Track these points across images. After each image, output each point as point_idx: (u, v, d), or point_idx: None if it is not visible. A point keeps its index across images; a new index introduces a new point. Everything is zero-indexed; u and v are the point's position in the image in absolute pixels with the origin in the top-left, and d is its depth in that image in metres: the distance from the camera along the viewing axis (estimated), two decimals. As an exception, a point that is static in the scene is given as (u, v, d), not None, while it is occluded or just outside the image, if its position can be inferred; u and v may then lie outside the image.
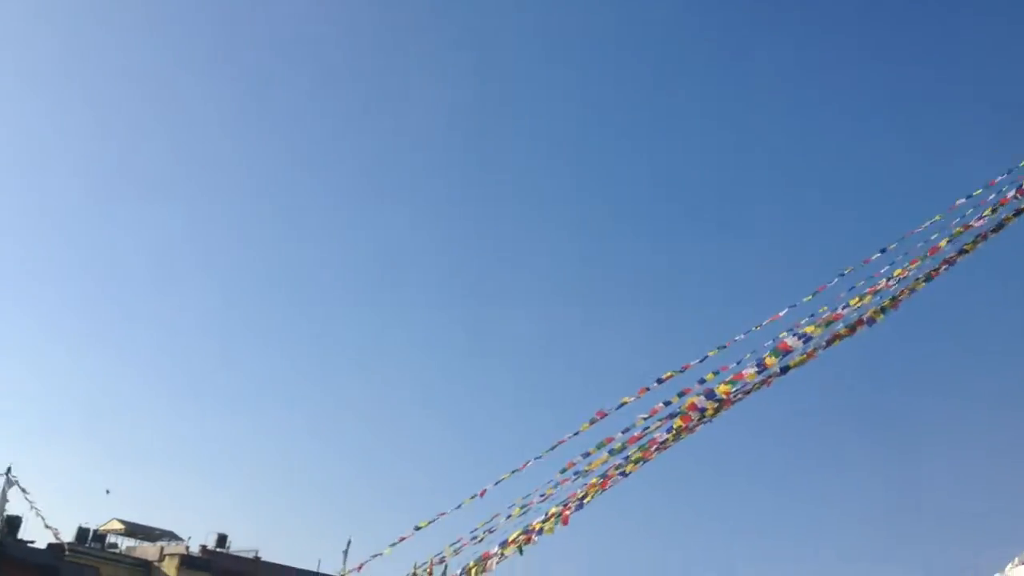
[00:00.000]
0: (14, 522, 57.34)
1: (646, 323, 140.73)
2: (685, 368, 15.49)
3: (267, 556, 70.17)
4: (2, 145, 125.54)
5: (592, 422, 15.77)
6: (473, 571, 17.44)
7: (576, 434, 16.03)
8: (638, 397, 15.15)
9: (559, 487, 15.94)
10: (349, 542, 66.74)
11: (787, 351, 14.65)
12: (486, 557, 16.81)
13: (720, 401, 13.72)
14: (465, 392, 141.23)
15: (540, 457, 16.63)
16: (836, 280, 15.67)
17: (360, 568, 18.97)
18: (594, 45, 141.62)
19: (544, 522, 15.14)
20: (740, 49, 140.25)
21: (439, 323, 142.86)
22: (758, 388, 14.76)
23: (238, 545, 69.84)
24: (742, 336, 15.47)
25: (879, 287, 15.56)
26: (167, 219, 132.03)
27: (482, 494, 17.11)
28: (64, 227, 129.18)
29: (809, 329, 14.53)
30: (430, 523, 17.86)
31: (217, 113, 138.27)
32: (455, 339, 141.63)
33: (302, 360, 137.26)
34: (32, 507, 58.47)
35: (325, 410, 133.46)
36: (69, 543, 60.65)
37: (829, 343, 15.54)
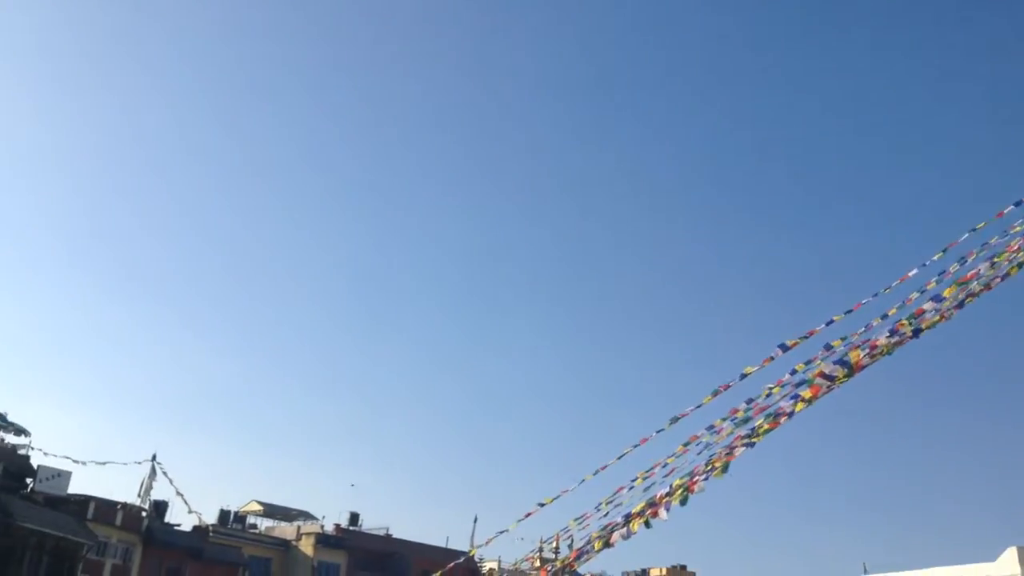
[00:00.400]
0: (160, 507, 60.52)
1: (762, 294, 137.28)
2: (811, 334, 14.94)
3: (397, 534, 72.23)
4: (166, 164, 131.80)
5: (715, 394, 15.44)
6: (597, 544, 17.41)
7: (699, 407, 15.74)
8: (762, 366, 14.71)
9: (681, 459, 15.69)
10: (476, 519, 68.02)
11: (920, 315, 13.92)
12: (610, 527, 16.74)
13: (850, 367, 13.13)
14: (581, 375, 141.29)
15: (662, 430, 16.41)
16: (967, 236, 14.77)
17: (488, 543, 19.24)
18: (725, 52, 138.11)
19: (670, 494, 14.94)
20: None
21: (553, 312, 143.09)
22: (889, 352, 14.07)
23: (369, 523, 72.05)
24: (870, 298, 14.82)
25: (1015, 245, 14.57)
26: (302, 228, 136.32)
27: (603, 469, 17.04)
28: (204, 230, 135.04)
29: (947, 292, 13.72)
30: (554, 499, 17.93)
31: (336, 120, 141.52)
32: (571, 325, 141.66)
33: (429, 351, 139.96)
34: (176, 492, 61.71)
35: (452, 396, 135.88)
36: (212, 525, 63.58)
37: (961, 304, 14.69)
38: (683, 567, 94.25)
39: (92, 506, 52.04)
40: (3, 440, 53.10)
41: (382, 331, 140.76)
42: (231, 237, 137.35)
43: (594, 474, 17.02)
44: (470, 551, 33.20)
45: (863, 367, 13.13)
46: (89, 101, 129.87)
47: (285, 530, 69.21)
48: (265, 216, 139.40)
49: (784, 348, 14.67)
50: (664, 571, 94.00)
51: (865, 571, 50.67)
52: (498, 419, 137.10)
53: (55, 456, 53.78)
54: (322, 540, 66.64)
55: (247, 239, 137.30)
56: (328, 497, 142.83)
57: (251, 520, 70.07)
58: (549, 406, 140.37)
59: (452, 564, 24.71)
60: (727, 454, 13.74)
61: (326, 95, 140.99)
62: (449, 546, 68.90)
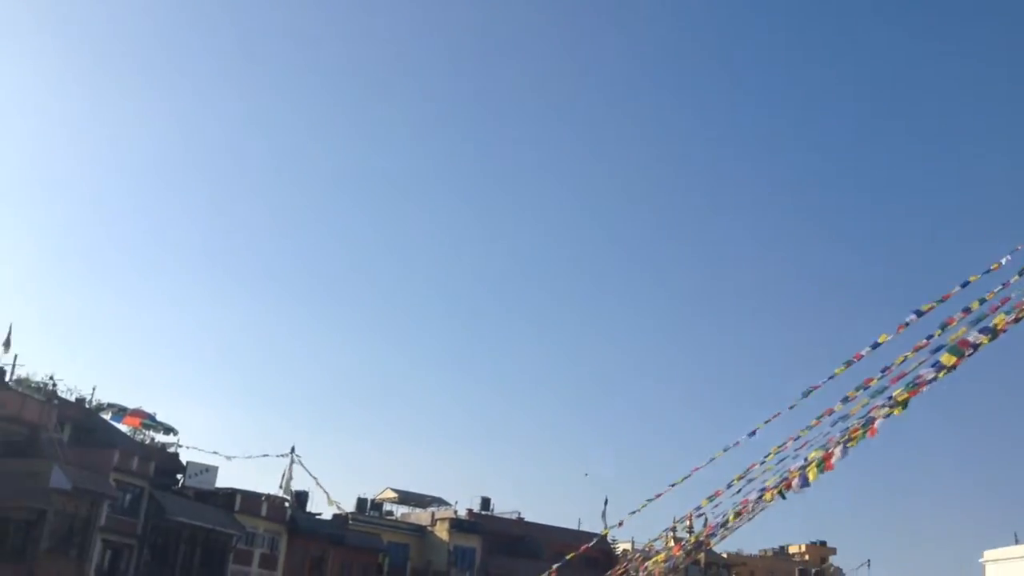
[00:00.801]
0: (302, 497, 62.96)
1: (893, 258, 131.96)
2: (945, 298, 14.25)
3: (528, 517, 72.97)
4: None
5: (848, 364, 14.92)
6: (732, 520, 17.14)
7: (831, 378, 15.25)
8: (897, 334, 14.11)
9: (814, 432, 15.24)
10: (606, 501, 67.95)
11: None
12: (744, 504, 16.44)
13: (994, 332, 12.38)
14: (704, 354, 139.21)
15: (793, 407, 15.98)
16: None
17: (621, 525, 19.20)
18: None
19: (805, 468, 14.54)
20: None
21: (666, 296, 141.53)
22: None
23: (500, 508, 73.05)
24: (1007, 258, 13.97)
25: None
26: (421, 223, 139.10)
27: (735, 445, 16.73)
28: (331, 227, 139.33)
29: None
30: (685, 479, 17.71)
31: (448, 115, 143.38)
32: (687, 309, 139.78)
33: (551, 338, 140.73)
34: (316, 482, 64.07)
35: (576, 382, 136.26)
36: (351, 513, 65.72)
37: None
38: (823, 543, 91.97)
39: (239, 499, 54.55)
40: (153, 439, 56.26)
41: (507, 321, 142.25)
42: (356, 234, 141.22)
43: (724, 451, 16.73)
44: (603, 532, 33.21)
45: (1005, 331, 12.37)
46: (216, 102, 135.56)
47: (420, 516, 70.89)
48: (383, 212, 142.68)
49: (919, 313, 14.02)
50: (803, 548, 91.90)
51: (1016, 541, 48.24)
52: (626, 400, 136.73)
53: (202, 452, 56.69)
54: (456, 525, 67.93)
55: (370, 236, 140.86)
56: (458, 483, 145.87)
57: (387, 507, 72.03)
58: (675, 386, 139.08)
59: (585, 546, 24.77)
60: (864, 425, 13.25)
61: (439, 92, 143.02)
62: (581, 528, 69.17)
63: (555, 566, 21.76)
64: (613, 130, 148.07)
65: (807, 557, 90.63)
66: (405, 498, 71.95)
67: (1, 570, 38.14)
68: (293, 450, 61.59)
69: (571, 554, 23.75)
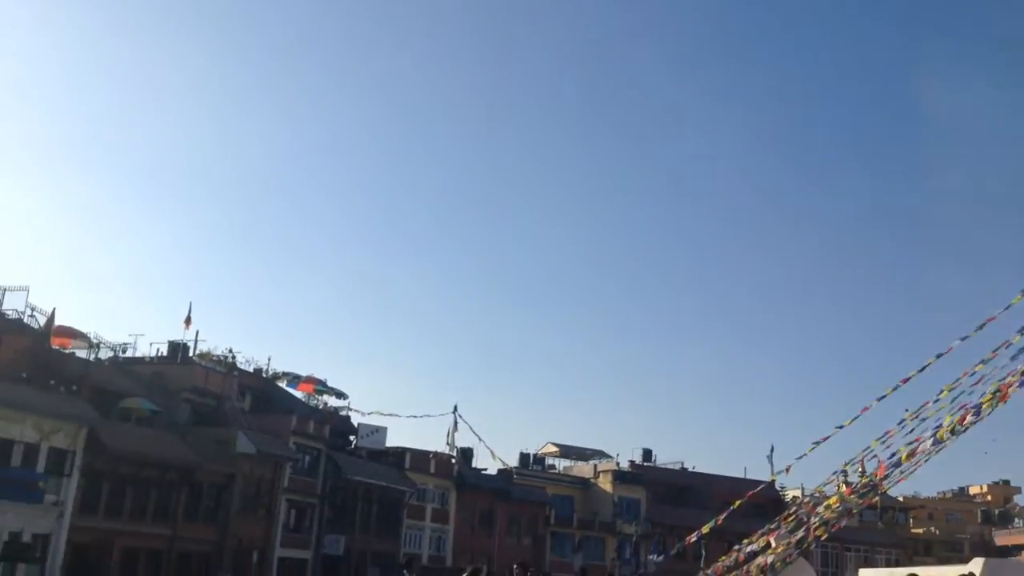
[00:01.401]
0: (467, 453, 64.91)
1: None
2: None
3: (692, 467, 72.62)
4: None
5: (1025, 293, 13.97)
6: (905, 460, 16.49)
7: (1008, 308, 14.33)
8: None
9: (990, 366, 14.38)
10: (772, 448, 66.77)
11: None
12: (918, 442, 15.76)
13: None
14: (876, 290, 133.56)
15: (966, 338, 15.14)
16: None
17: (788, 471, 18.79)
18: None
19: (980, 403, 13.77)
20: None
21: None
22: None
23: (663, 459, 73.02)
24: None
25: None
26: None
27: (905, 382, 16.02)
28: (459, 181, 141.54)
29: None
30: (853, 420, 17.11)
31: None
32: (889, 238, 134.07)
33: (707, 289, 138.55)
34: (479, 439, 65.92)
35: (735, 331, 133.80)
36: (514, 467, 67.28)
37: None
38: (1006, 482, 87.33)
39: (408, 457, 56.87)
40: (326, 404, 59.19)
41: (661, 278, 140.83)
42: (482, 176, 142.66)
43: (894, 389, 16.04)
44: (770, 478, 32.64)
45: None
46: (363, 94, 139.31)
47: (582, 469, 71.75)
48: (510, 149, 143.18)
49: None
50: (985, 488, 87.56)
51: None
52: (784, 344, 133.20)
53: (371, 414, 59.28)
54: (619, 477, 68.42)
55: (493, 174, 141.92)
56: (619, 436, 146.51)
57: (549, 462, 73.24)
58: (845, 323, 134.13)
59: (751, 492, 24.38)
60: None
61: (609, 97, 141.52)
62: (747, 476, 68.31)
63: (723, 514, 21.56)
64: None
65: (989, 498, 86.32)
66: (567, 452, 72.90)
67: (199, 530, 41.30)
68: (456, 409, 63.45)
69: (737, 501, 23.44)
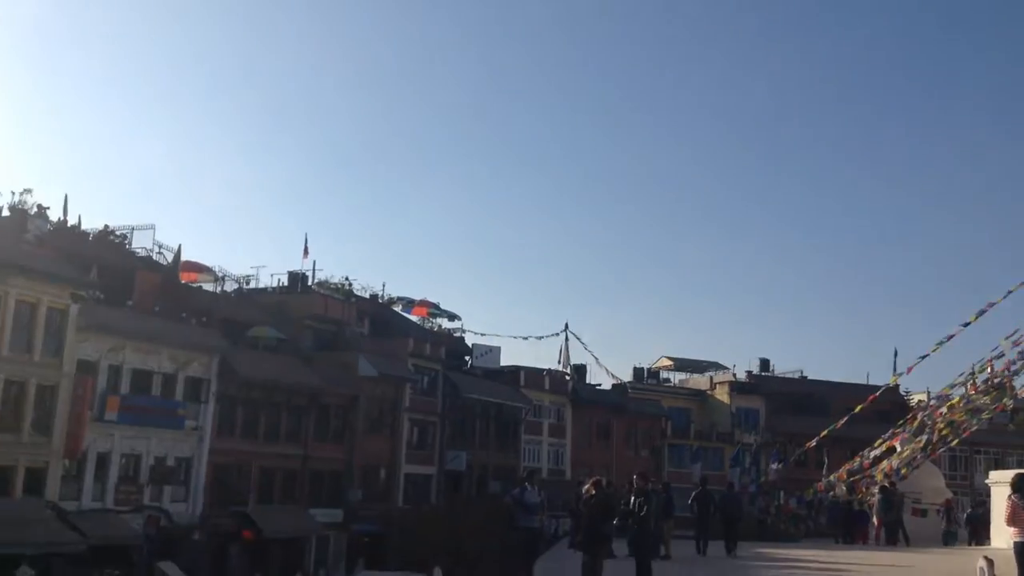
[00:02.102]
0: (580, 370, 65.55)
1: None
2: None
3: (812, 375, 71.34)
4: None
5: None
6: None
7: None
8: None
9: None
10: (896, 352, 64.94)
11: None
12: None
13: None
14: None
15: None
16: None
17: (910, 371, 18.31)
18: None
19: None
20: None
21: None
22: None
23: (781, 368, 72.03)
24: None
25: None
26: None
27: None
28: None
29: None
30: (979, 315, 16.48)
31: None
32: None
33: (822, 190, 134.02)
34: (592, 355, 66.41)
35: (856, 231, 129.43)
36: (629, 382, 67.62)
37: None
38: None
39: (522, 375, 57.84)
40: (440, 326, 60.50)
41: (777, 180, 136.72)
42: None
43: (1022, 284, 15.31)
44: (891, 381, 31.84)
45: None
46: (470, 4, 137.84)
47: (698, 381, 71.56)
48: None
49: None
50: None
51: None
52: (908, 245, 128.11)
53: (484, 335, 60.41)
54: (736, 387, 67.99)
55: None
56: (735, 347, 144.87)
57: (663, 375, 73.28)
58: (970, 219, 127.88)
59: (872, 396, 23.91)
60: None
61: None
62: (870, 382, 66.81)
63: (843, 419, 21.22)
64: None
65: None
66: (681, 365, 72.72)
67: (328, 449, 43.27)
68: (567, 327, 63.87)
69: (859, 406, 23.02)
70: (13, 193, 40.23)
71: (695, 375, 72.55)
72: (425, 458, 49.64)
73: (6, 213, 37.14)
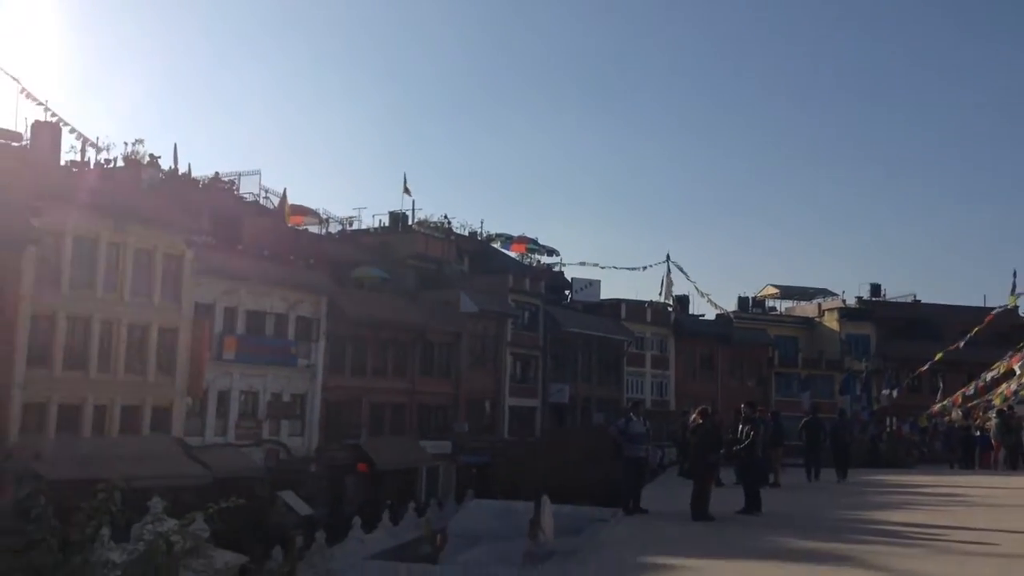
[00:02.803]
0: (683, 301, 64.88)
1: None
2: None
3: (925, 299, 68.86)
4: None
5: None
6: None
7: None
8: None
9: None
10: (1015, 273, 61.81)
11: None
12: None
13: None
14: None
15: None
16: None
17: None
18: None
19: None
20: None
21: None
22: None
23: (893, 293, 69.81)
24: None
25: None
26: None
27: None
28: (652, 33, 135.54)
29: None
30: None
31: None
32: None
33: (945, 113, 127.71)
34: (694, 286, 65.54)
35: (963, 152, 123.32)
36: (733, 312, 66.64)
37: None
38: None
39: (623, 307, 57.64)
40: (539, 261, 60.61)
41: (882, 100, 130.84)
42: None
43: None
44: (1008, 302, 30.50)
45: None
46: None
47: (805, 309, 70.04)
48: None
49: None
50: None
51: None
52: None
53: (583, 267, 60.33)
54: (846, 314, 66.35)
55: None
56: (844, 273, 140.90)
57: (769, 304, 71.97)
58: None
59: (989, 317, 22.96)
60: None
61: None
62: (987, 305, 64.13)
63: (958, 343, 20.48)
64: None
65: None
66: (788, 293, 71.22)
67: (434, 384, 44.26)
68: (668, 257, 63.13)
69: (975, 329, 22.16)
70: (126, 144, 41.85)
71: (802, 303, 71.04)
72: (528, 391, 50.27)
73: (121, 164, 38.67)
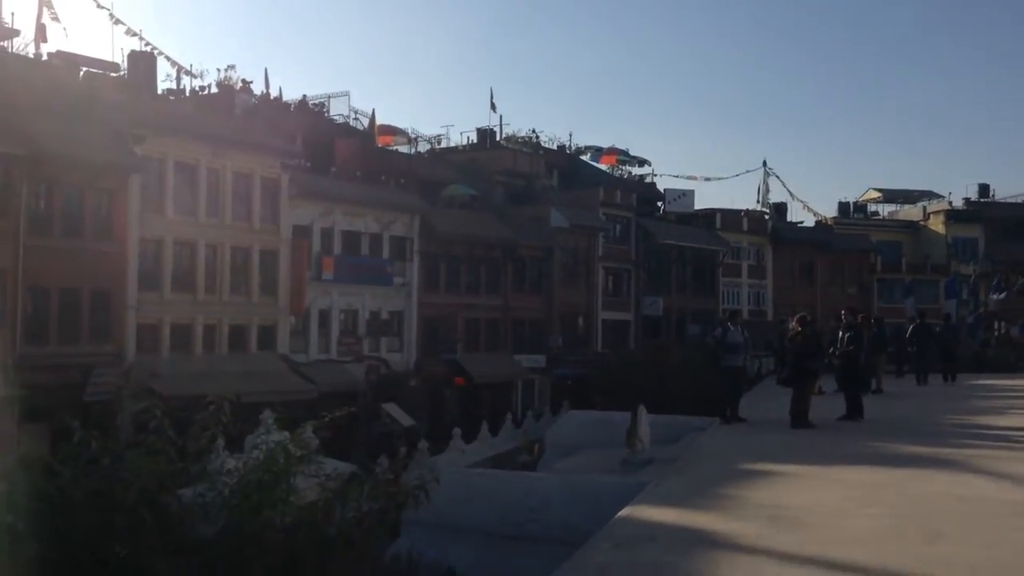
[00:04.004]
0: (780, 209, 63.29)
1: None
2: None
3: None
4: None
5: None
6: None
7: None
8: None
9: None
10: None
11: None
12: None
13: None
14: None
15: None
16: None
17: None
18: None
19: None
20: None
21: None
22: None
23: (1003, 193, 66.67)
24: None
25: None
26: None
27: None
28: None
29: None
30: None
31: None
32: None
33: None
34: (790, 194, 63.80)
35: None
36: (833, 218, 64.77)
37: None
38: None
39: (718, 217, 56.57)
40: (630, 173, 59.72)
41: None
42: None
43: None
44: None
45: None
46: None
47: (909, 212, 67.65)
48: None
49: None
50: None
51: None
52: None
53: (676, 178, 59.21)
54: (953, 216, 63.83)
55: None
56: (950, 173, 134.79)
57: (871, 208, 69.73)
58: None
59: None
60: None
61: None
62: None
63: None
64: None
65: None
66: (891, 196, 68.78)
67: (526, 299, 44.57)
68: (765, 164, 61.44)
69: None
70: (219, 70, 42.55)
71: (906, 206, 68.55)
72: (621, 305, 50.15)
73: (214, 91, 39.39)
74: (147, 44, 36.59)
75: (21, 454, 7.91)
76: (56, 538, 6.62)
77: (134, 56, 35.36)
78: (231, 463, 7.24)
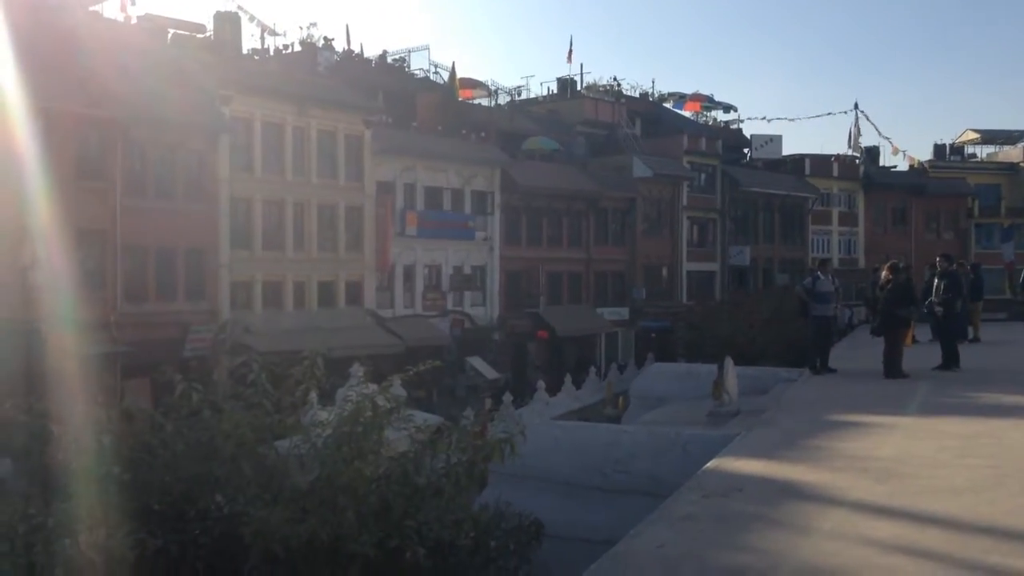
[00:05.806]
0: (872, 153, 61.17)
1: None
2: None
3: None
4: None
5: None
6: None
7: None
8: None
9: None
10: None
11: None
12: None
13: None
14: None
15: None
16: None
17: None
18: None
19: None
20: None
21: None
22: None
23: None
24: None
25: None
26: None
27: None
28: None
29: None
30: None
31: None
32: None
33: None
34: (881, 136, 61.60)
35: None
36: (928, 161, 62.34)
37: None
38: None
39: (807, 163, 55.03)
40: (715, 119, 58.44)
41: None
42: None
43: None
44: None
45: None
46: None
47: (1009, 154, 64.60)
48: None
49: None
50: None
51: None
52: None
53: (763, 122, 57.70)
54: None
55: None
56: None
57: (968, 150, 66.87)
58: None
59: None
60: None
61: None
62: None
63: None
64: None
65: None
66: (989, 137, 65.70)
67: (609, 251, 44.28)
68: (856, 106, 59.30)
69: None
70: (301, 28, 42.99)
71: (1006, 147, 65.40)
72: (706, 255, 49.45)
73: (297, 48, 39.84)
74: (233, 4, 37.16)
75: (124, 407, 8.24)
76: (159, 488, 6.94)
77: (219, 17, 35.98)
78: (323, 415, 7.45)
